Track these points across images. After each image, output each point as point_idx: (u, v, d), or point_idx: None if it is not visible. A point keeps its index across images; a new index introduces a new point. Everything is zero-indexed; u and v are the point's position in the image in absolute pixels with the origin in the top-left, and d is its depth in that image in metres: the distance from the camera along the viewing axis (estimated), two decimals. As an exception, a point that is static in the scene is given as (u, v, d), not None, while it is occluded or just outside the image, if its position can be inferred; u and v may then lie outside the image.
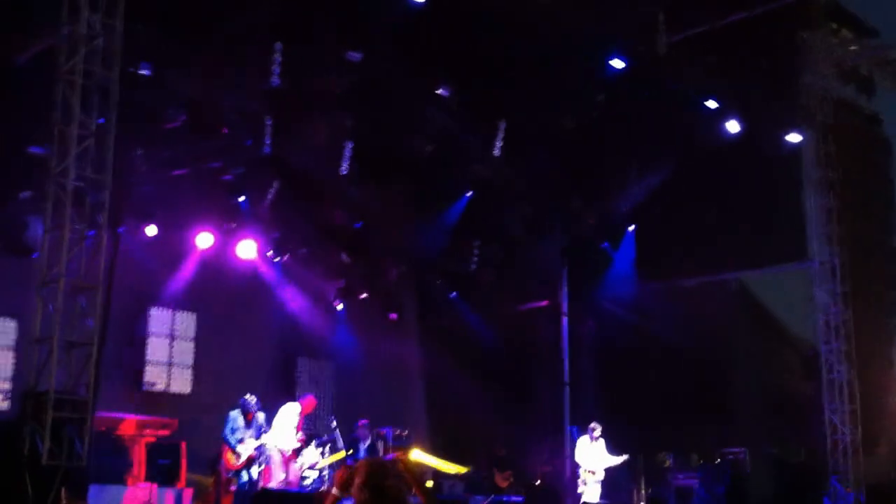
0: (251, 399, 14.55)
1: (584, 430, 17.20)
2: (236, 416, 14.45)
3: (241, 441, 14.28)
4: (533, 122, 17.42)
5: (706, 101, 17.50)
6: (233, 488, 14.60)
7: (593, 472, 16.73)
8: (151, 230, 17.39)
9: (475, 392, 20.69)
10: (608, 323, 20.66)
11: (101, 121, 11.52)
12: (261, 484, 14.71)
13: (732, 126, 17.74)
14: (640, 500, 17.69)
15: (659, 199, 19.04)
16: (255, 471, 14.39)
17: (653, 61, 16.60)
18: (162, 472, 14.65)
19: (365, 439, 16.77)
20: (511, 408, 20.18)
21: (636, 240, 20.49)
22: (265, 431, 14.53)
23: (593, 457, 16.84)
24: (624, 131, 17.59)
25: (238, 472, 14.27)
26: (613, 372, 19.95)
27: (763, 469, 18.09)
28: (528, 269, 21.48)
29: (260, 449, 14.42)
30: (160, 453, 14.88)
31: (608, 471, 16.89)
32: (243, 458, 14.22)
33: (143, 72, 14.11)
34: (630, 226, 20.50)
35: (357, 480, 5.43)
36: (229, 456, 14.34)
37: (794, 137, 18.19)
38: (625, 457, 16.83)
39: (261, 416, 14.55)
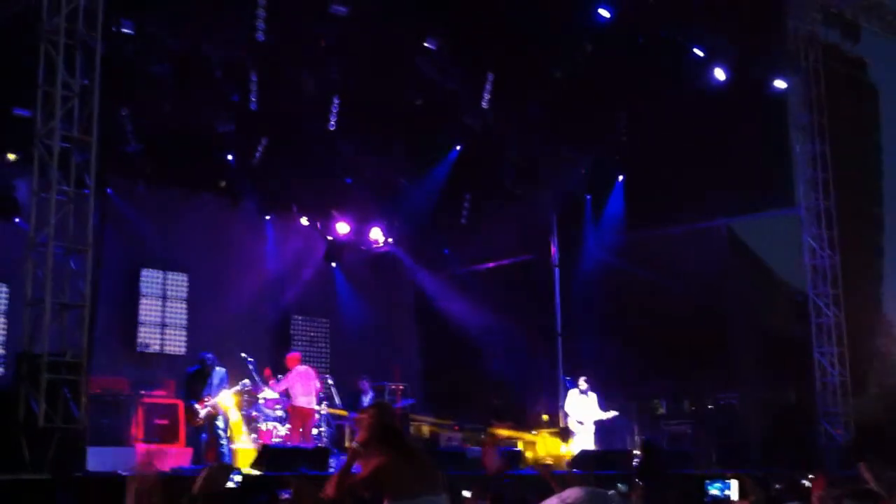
0: (209, 355, 14.31)
1: (576, 381, 17.31)
2: (195, 373, 14.26)
3: (199, 399, 13.98)
4: (521, 72, 17.34)
5: (693, 48, 17.47)
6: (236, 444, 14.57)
7: (582, 423, 16.89)
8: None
9: (470, 345, 20.79)
10: (600, 273, 20.72)
11: (85, 80, 11.42)
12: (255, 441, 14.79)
13: (719, 74, 17.73)
14: (633, 446, 17.84)
15: (648, 147, 19.04)
16: (221, 425, 14.05)
17: (639, 10, 16.52)
18: (160, 431, 14.64)
19: (367, 393, 16.80)
20: (506, 360, 20.28)
21: (625, 189, 20.52)
22: (225, 387, 14.18)
23: (583, 409, 16.96)
24: (613, 81, 17.51)
25: (199, 429, 13.95)
26: (606, 321, 20.04)
27: (755, 413, 18.27)
28: (519, 221, 21.50)
29: (217, 406, 14.04)
30: (157, 413, 14.88)
31: (600, 420, 17.04)
32: (201, 415, 13.89)
33: (126, 30, 14.01)
34: (619, 175, 20.51)
35: (369, 421, 5.52)
36: (188, 413, 14.12)
37: (780, 84, 18.21)
38: (614, 413, 16.98)
39: (220, 372, 14.25)
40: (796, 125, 18.56)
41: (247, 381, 14.68)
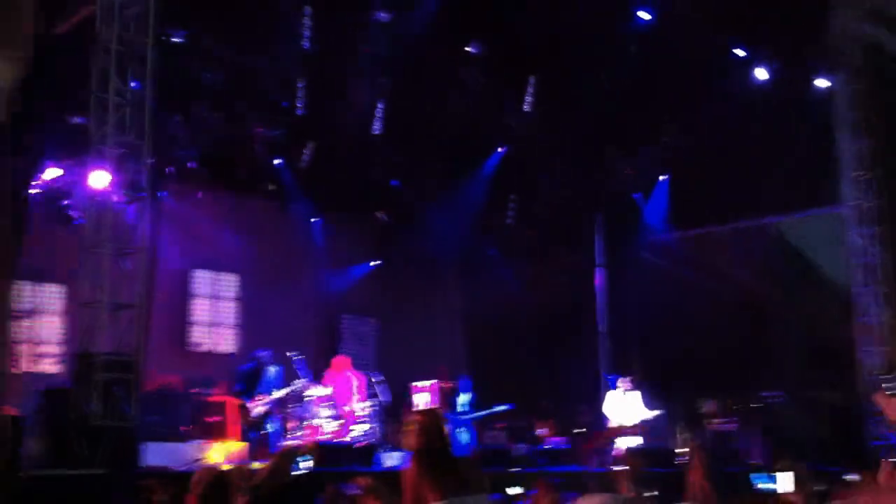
0: (265, 353, 14.37)
1: (617, 381, 17.27)
2: (250, 370, 14.30)
3: (252, 397, 14.01)
4: (564, 74, 17.48)
5: (735, 48, 17.48)
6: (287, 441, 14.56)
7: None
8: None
9: (516, 344, 20.90)
10: (644, 272, 20.76)
11: (138, 87, 11.71)
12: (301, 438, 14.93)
13: (761, 73, 17.71)
14: (678, 445, 17.84)
15: (692, 146, 19.09)
16: (272, 424, 14.08)
17: (679, 11, 16.59)
18: (210, 429, 14.88)
19: (466, 391, 16.81)
20: (551, 359, 20.38)
21: (670, 188, 20.55)
22: (277, 386, 14.17)
23: (625, 410, 16.81)
24: (656, 81, 17.59)
25: (251, 427, 13.95)
26: (651, 320, 20.07)
27: (801, 413, 18.18)
28: (563, 220, 21.61)
29: (270, 404, 14.07)
30: (208, 411, 15.14)
31: (646, 420, 16.97)
32: (254, 414, 13.92)
33: (178, 38, 14.37)
34: (663, 175, 20.54)
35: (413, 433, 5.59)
36: (241, 412, 14.07)
37: (824, 82, 18.14)
38: (658, 412, 16.87)
39: (274, 370, 14.28)
40: (842, 122, 18.43)
41: (300, 380, 14.62)
